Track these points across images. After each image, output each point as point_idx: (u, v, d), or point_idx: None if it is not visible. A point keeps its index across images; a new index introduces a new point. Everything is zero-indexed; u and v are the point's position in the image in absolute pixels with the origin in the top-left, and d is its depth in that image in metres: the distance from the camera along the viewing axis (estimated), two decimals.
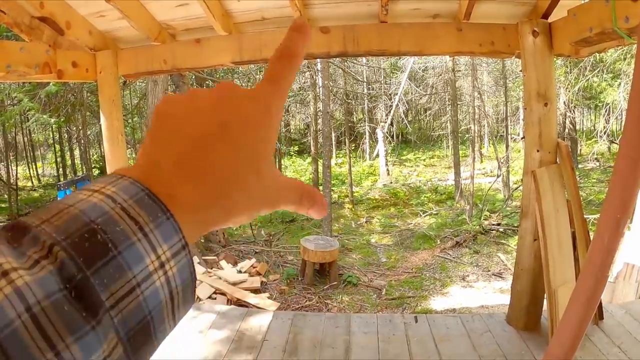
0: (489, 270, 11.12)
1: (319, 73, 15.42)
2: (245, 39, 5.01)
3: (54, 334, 0.33)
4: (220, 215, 0.49)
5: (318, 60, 14.55)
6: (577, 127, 25.55)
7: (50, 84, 11.09)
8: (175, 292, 0.42)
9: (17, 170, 22.20)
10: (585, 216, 4.78)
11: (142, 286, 0.39)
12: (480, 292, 10.04)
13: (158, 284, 0.40)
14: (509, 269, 10.65)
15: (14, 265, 0.34)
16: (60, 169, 22.64)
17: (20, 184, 23.02)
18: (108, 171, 5.67)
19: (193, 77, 14.81)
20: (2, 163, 21.39)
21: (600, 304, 5.00)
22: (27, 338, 0.32)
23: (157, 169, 0.47)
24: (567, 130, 20.78)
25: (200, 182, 0.48)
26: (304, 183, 0.59)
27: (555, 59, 4.59)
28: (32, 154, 26.84)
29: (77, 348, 0.34)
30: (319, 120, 16.52)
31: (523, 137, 6.73)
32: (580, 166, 22.20)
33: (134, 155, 20.62)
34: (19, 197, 19.73)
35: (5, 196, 18.94)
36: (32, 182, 24.87)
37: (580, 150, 24.82)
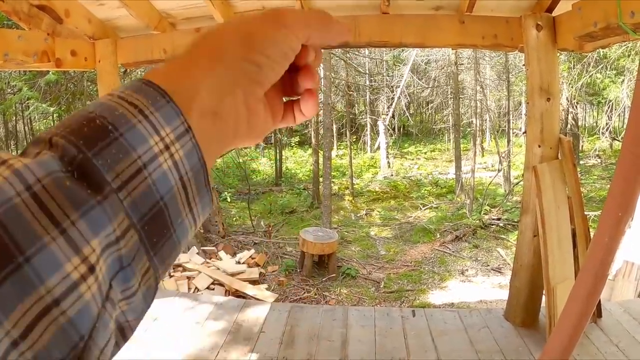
0: (488, 265, 11.11)
1: (321, 64, 15.37)
2: None
3: (57, 210, 0.33)
4: (243, 79, 0.50)
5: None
6: (580, 123, 25.46)
7: (50, 72, 11.05)
8: (186, 178, 0.42)
9: None
10: (586, 213, 4.75)
11: (149, 168, 0.39)
12: (479, 286, 10.03)
13: (165, 166, 0.40)
14: (508, 264, 10.63)
15: (15, 156, 0.35)
16: None
17: None
18: None
19: None
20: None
21: (599, 301, 4.98)
22: (28, 214, 0.32)
23: (166, 64, 0.49)
24: (569, 126, 20.71)
25: (215, 54, 0.50)
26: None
27: (558, 54, 4.54)
28: None
29: (84, 223, 0.34)
30: (320, 112, 16.47)
31: (525, 132, 6.70)
32: (581, 162, 22.15)
33: None
34: None
35: None
36: None
37: (582, 146, 24.75)
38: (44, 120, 22.86)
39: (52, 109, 13.23)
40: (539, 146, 4.49)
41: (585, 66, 16.24)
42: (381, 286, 10.12)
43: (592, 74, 16.59)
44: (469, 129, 22.97)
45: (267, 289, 9.32)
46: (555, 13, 4.36)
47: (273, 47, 0.51)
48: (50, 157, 0.35)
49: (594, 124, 27.85)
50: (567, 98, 17.89)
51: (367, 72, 25.13)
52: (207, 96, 0.47)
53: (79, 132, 0.37)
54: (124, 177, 0.37)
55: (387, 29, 4.69)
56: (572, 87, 17.27)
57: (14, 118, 20.87)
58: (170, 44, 5.27)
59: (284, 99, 0.62)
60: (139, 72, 19.20)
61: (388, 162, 23.74)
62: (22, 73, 12.76)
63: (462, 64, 21.74)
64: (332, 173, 20.10)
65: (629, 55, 15.24)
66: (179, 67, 0.49)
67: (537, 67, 4.39)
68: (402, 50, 22.91)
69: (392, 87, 25.16)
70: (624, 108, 17.24)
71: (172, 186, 0.41)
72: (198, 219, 0.45)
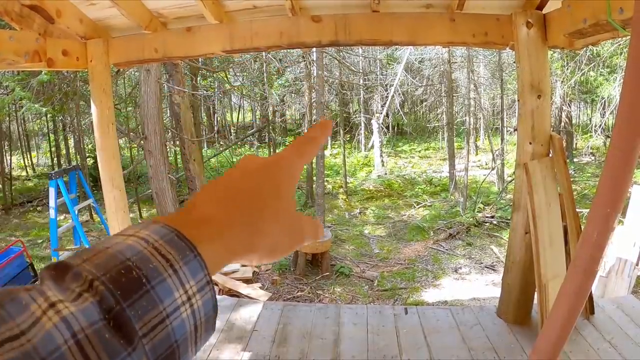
0: (482, 263, 11.12)
1: (314, 63, 15.32)
2: (236, 28, 4.97)
3: (96, 359, 0.38)
4: (245, 233, 0.56)
5: (314, 50, 14.46)
6: (574, 121, 25.52)
7: (42, 72, 11.03)
8: (199, 322, 0.47)
9: (11, 159, 22.14)
10: (579, 210, 4.77)
11: (171, 317, 0.44)
12: (473, 284, 10.04)
13: (184, 315, 0.45)
14: (502, 261, 10.61)
15: (60, 298, 0.39)
16: (55, 159, 22.56)
17: (14, 173, 22.98)
18: (99, 160, 5.66)
19: (187, 66, 14.73)
20: None
21: (592, 298, 5.00)
22: None
23: (187, 211, 0.55)
24: (563, 124, 20.76)
25: (227, 203, 0.57)
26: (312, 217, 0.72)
27: (552, 52, 4.56)
28: (26, 143, 26.77)
29: None
30: (314, 111, 16.45)
31: (515, 129, 6.70)
32: (575, 160, 22.23)
33: (128, 145, 20.67)
34: (13, 187, 19.71)
35: (0, 186, 18.90)
36: (27, 172, 24.83)
37: (576, 144, 24.83)
38: (38, 121, 22.83)
39: (44, 109, 13.20)
40: (530, 143, 4.50)
41: (578, 64, 16.27)
42: (375, 284, 10.11)
43: (585, 72, 16.62)
44: (462, 127, 22.95)
45: (260, 288, 9.32)
46: (545, 10, 4.37)
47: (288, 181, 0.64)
48: (91, 304, 0.40)
49: (588, 122, 27.91)
50: (560, 96, 17.93)
51: (361, 71, 25.10)
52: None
53: (117, 282, 0.41)
54: (149, 326, 0.42)
55: (377, 27, 4.69)
56: (565, 85, 17.31)
57: (7, 118, 20.83)
58: (162, 44, 5.27)
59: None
60: (132, 72, 19.25)
61: (382, 161, 23.72)
62: (14, 73, 12.74)
63: (456, 62, 21.75)
64: (327, 172, 20.07)
65: (621, 53, 15.28)
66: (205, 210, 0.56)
67: (527, 64, 4.40)
68: (396, 49, 22.90)
69: (386, 86, 25.15)
70: (617, 105, 17.26)
71: (186, 331, 0.45)
72: (200, 348, 0.50)
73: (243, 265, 10.19)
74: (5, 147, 21.39)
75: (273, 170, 0.63)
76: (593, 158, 22.90)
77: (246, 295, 8.51)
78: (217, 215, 0.54)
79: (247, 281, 9.53)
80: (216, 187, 0.59)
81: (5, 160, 19.90)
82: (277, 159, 0.64)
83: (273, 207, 0.59)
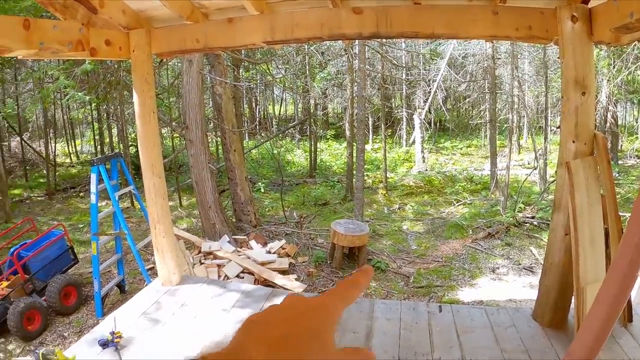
0: (520, 264, 10.94)
1: (356, 56, 15.24)
2: (277, 19, 4.96)
3: None
4: None
5: (356, 43, 14.41)
6: (619, 122, 24.88)
7: (86, 62, 11.21)
8: None
9: (55, 146, 22.66)
10: (621, 214, 4.63)
11: None
12: (510, 285, 9.89)
13: None
14: (540, 263, 10.44)
15: None
16: (99, 146, 22.99)
17: (59, 160, 23.53)
18: (140, 147, 5.76)
19: (229, 57, 14.81)
20: (42, 140, 21.88)
21: (630, 305, 4.85)
22: None
23: (236, 354, 0.55)
24: (608, 124, 20.28)
25: (279, 348, 0.55)
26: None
27: (599, 50, 4.44)
28: (71, 131, 27.41)
29: None
30: (355, 105, 16.38)
31: (559, 127, 6.56)
32: (620, 162, 21.67)
33: (170, 134, 20.95)
34: (57, 173, 20.19)
35: (45, 172, 19.37)
36: (71, 159, 25.40)
37: (621, 146, 24.21)
38: (82, 109, 23.30)
39: (88, 97, 13.44)
40: (573, 142, 4.39)
41: (625, 62, 15.85)
42: (411, 281, 10.04)
43: (632, 71, 16.19)
44: (505, 125, 22.61)
45: (296, 279, 9.36)
46: (591, 4, 4.25)
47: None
48: None
49: (634, 123, 27.22)
50: (606, 95, 17.51)
51: (404, 65, 24.93)
52: None
53: None
54: None
55: (418, 19, 4.62)
56: (611, 83, 16.90)
57: (53, 106, 21.31)
58: (203, 34, 5.30)
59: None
60: (175, 63, 19.50)
61: (423, 157, 23.54)
62: (60, 62, 12.99)
63: (500, 58, 21.42)
64: (367, 166, 20.00)
65: None
66: None
67: (572, 60, 4.28)
68: (439, 43, 22.69)
69: (428, 81, 24.92)
70: None
71: None
72: None
73: (279, 256, 10.24)
74: (50, 135, 21.88)
75: (320, 315, 0.62)
76: (638, 161, 22.33)
77: (281, 286, 8.55)
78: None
79: (283, 272, 9.57)
80: (265, 329, 0.59)
81: (50, 147, 20.36)
82: (324, 304, 0.64)
83: (318, 353, 0.58)
